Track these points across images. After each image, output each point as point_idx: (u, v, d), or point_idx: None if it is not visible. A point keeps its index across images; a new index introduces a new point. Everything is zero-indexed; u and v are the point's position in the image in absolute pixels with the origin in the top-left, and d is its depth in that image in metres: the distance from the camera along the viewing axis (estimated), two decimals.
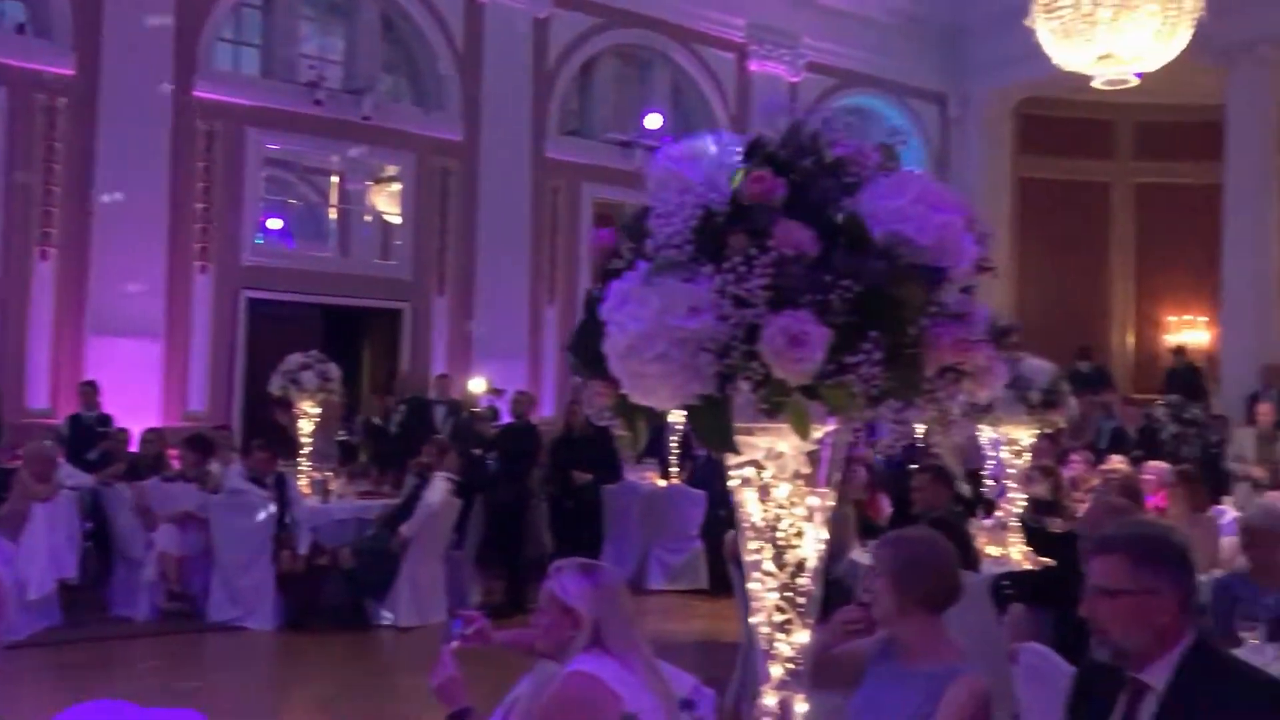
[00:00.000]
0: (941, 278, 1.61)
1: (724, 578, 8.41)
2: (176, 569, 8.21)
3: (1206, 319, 15.64)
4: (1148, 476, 8.34)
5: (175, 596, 8.26)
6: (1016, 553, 6.45)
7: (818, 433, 1.74)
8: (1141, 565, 2.50)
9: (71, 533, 8.07)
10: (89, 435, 10.01)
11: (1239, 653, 3.90)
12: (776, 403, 1.61)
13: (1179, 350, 15.20)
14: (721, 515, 9.00)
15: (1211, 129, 14.32)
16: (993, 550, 6.71)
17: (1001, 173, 15.72)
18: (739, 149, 1.71)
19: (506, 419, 10.80)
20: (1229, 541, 6.39)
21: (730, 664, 5.83)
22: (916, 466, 7.09)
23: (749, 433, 1.74)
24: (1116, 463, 8.53)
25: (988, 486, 7.42)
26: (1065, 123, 16.02)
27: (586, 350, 1.71)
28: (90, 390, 10.47)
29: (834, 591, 4.59)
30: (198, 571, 8.29)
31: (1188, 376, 14.36)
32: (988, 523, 7.13)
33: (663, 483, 10.41)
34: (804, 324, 1.54)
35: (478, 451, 9.92)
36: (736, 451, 1.71)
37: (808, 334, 1.54)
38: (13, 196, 10.98)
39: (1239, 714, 2.31)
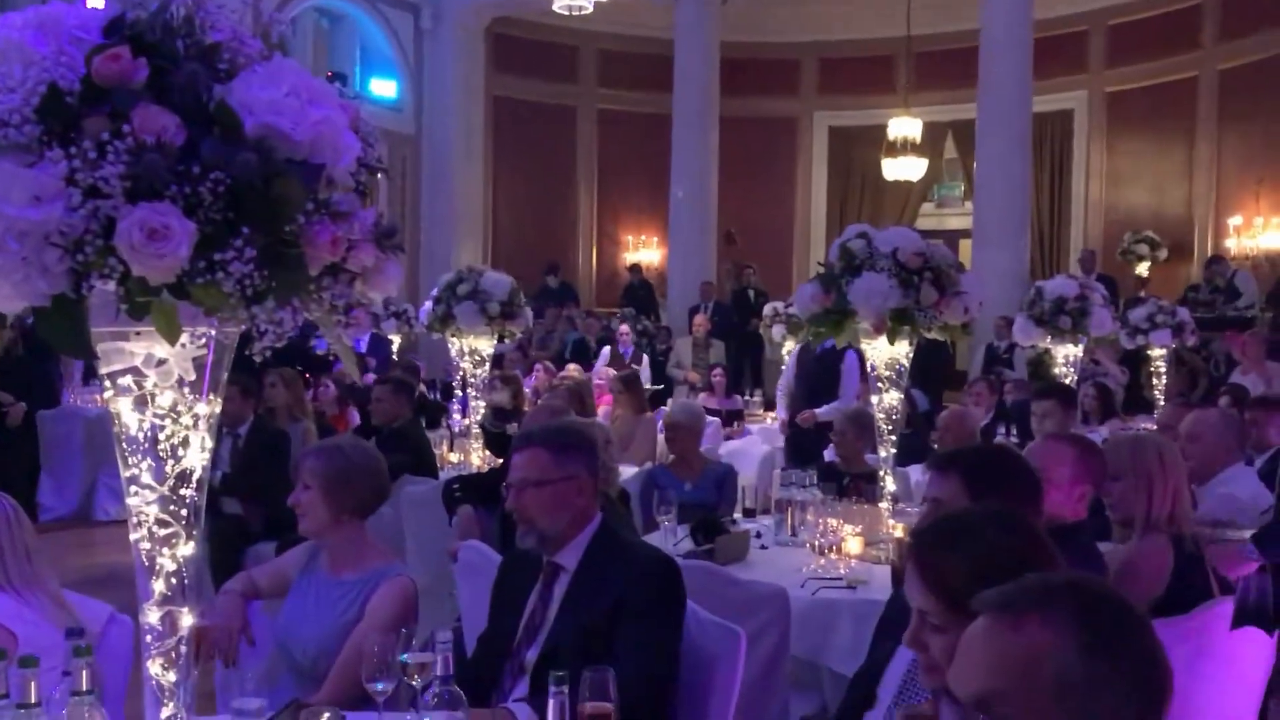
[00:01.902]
0: (319, 175, 1.57)
1: None
2: None
3: (658, 239, 17.14)
4: (599, 381, 9.06)
5: None
6: (476, 458, 6.72)
7: (199, 336, 1.64)
8: (561, 455, 2.70)
9: None
10: None
11: (654, 535, 4.38)
12: (141, 303, 1.49)
13: (635, 267, 16.54)
14: None
15: (664, 61, 15.57)
16: (454, 457, 6.95)
17: (476, 90, 16.01)
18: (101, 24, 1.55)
19: None
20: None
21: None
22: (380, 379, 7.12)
23: (124, 338, 1.61)
24: (572, 370, 9.14)
25: (455, 396, 7.65)
26: (536, 45, 16.62)
27: None
28: None
29: None
30: None
31: (642, 291, 15.71)
32: (453, 430, 7.37)
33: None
34: (166, 217, 1.43)
35: None
36: (93, 356, 1.58)
37: (170, 228, 1.43)
38: None
39: (628, 581, 2.58)
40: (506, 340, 7.51)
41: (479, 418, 6.72)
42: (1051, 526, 2.59)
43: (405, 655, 2.31)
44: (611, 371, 9.62)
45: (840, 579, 3.80)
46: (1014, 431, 6.96)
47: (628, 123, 17.05)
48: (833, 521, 4.15)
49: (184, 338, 1.58)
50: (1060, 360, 6.77)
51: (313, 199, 1.56)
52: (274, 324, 1.57)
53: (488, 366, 7.16)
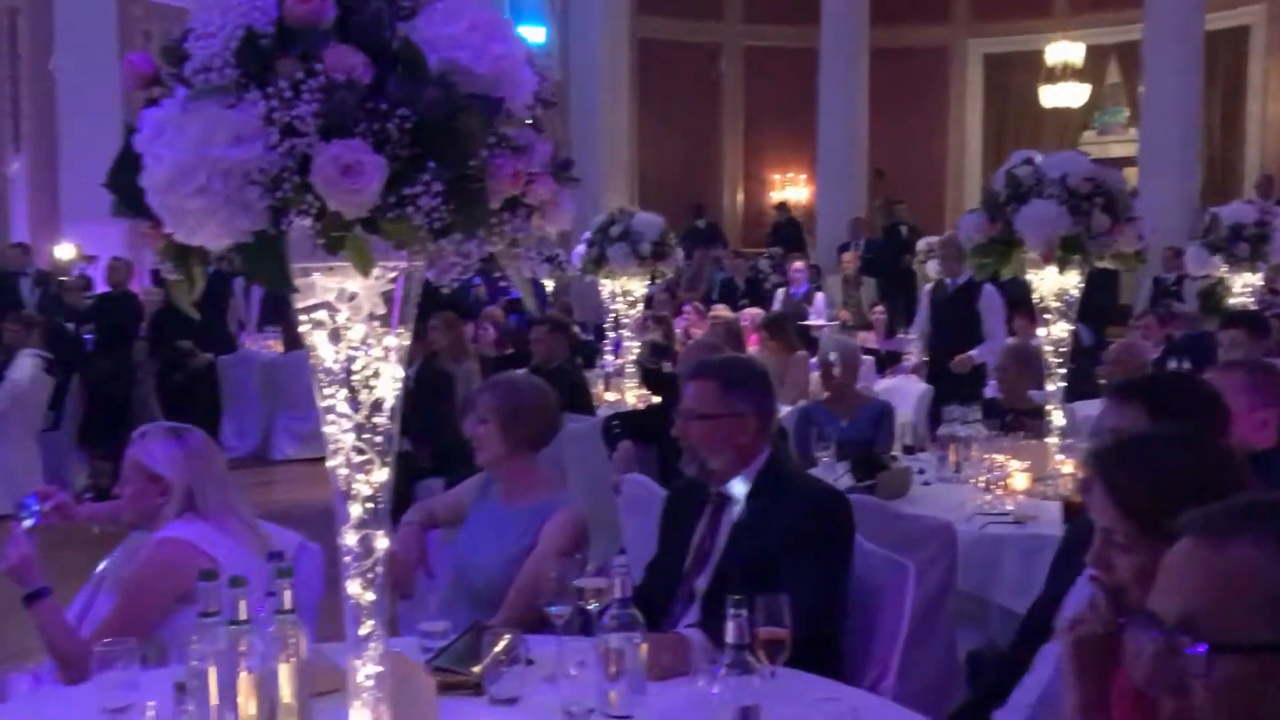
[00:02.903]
0: (499, 109, 1.59)
1: None
2: None
3: (805, 176, 16.89)
4: (746, 323, 9.02)
5: None
6: (631, 396, 6.81)
7: (389, 270, 1.70)
8: (730, 390, 2.72)
9: None
10: None
11: (813, 472, 4.37)
12: (336, 238, 1.55)
13: (782, 206, 16.36)
14: None
15: None
16: (610, 395, 7.05)
17: (621, 33, 15.98)
18: None
19: (102, 288, 9.93)
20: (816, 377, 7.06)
21: None
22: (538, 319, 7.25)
23: (309, 274, 1.68)
24: (721, 310, 9.14)
25: (607, 338, 7.75)
26: None
27: (125, 186, 1.57)
28: None
29: (467, 446, 4.67)
30: None
31: (789, 230, 15.53)
32: (606, 370, 7.47)
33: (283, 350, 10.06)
34: (358, 153, 1.48)
35: (70, 325, 9.08)
36: (294, 289, 1.65)
37: (362, 163, 1.48)
38: None
39: (799, 514, 2.59)
40: (657, 281, 7.54)
41: (634, 356, 6.80)
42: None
43: (580, 580, 2.37)
44: (756, 313, 9.55)
45: (1008, 514, 3.73)
46: (1186, 366, 6.67)
47: (774, 58, 16.77)
48: (999, 457, 4.06)
49: (374, 271, 1.63)
50: (1238, 289, 6.43)
51: (494, 133, 1.59)
52: (462, 256, 1.61)
53: (640, 307, 7.22)
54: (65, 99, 12.25)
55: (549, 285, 11.30)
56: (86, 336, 9.08)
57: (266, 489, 8.14)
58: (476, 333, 9.07)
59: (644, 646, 2.15)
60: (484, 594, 2.99)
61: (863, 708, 2.17)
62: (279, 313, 11.14)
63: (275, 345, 10.33)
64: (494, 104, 1.58)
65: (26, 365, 7.68)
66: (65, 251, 11.72)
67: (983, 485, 3.99)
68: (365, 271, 1.60)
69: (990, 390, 5.92)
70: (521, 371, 4.56)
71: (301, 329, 1.77)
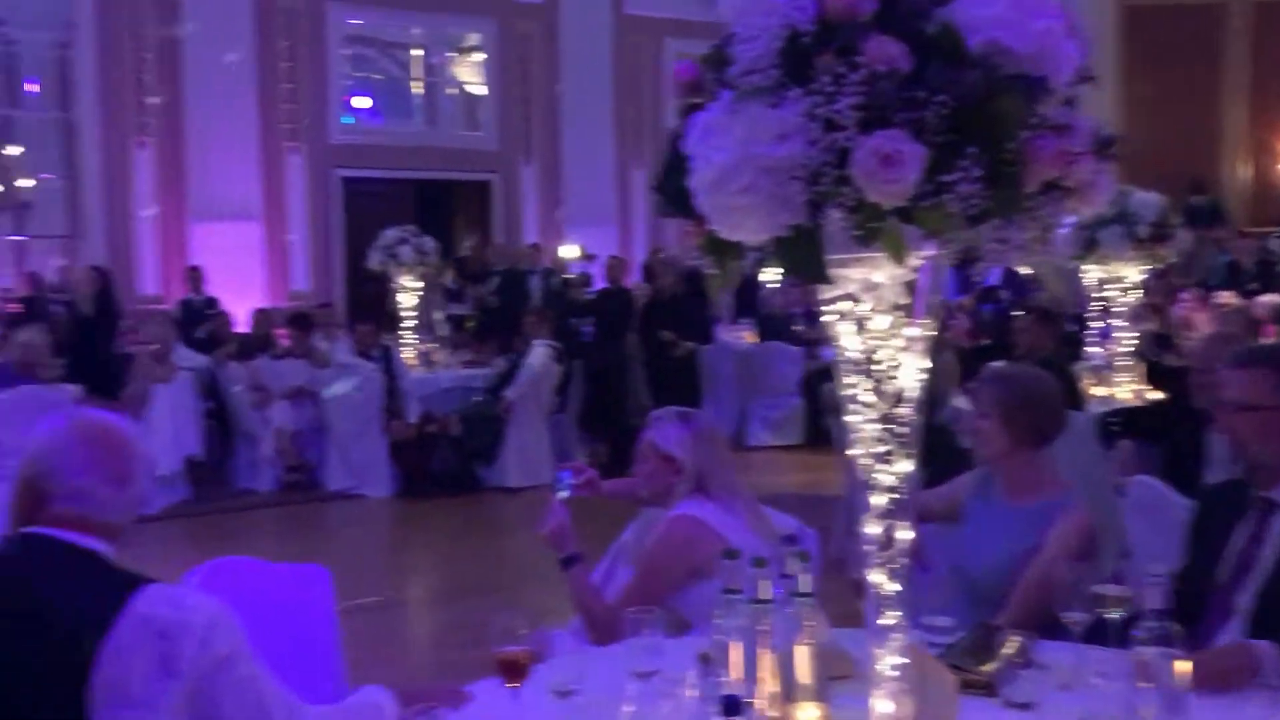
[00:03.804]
0: (1042, 88, 1.53)
1: (821, 432, 8.45)
2: (291, 442, 8.53)
3: None
4: (1260, 311, 8.05)
5: (294, 468, 8.60)
6: (1123, 392, 6.32)
7: (914, 260, 1.69)
8: None
9: (192, 411, 8.43)
10: (198, 318, 10.34)
11: None
12: (871, 229, 1.56)
13: None
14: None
15: None
16: (1099, 390, 6.59)
17: (1104, 1, 14.90)
18: None
19: (601, 284, 10.83)
20: None
21: (831, 514, 5.88)
22: (1021, 310, 6.94)
23: (843, 265, 1.71)
24: (1228, 298, 8.23)
25: (1092, 329, 7.24)
26: None
27: (672, 188, 1.68)
28: (196, 275, 10.78)
29: (937, 438, 4.58)
30: (313, 444, 8.61)
31: None
32: (1093, 363, 6.99)
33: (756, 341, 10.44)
34: (897, 143, 1.48)
35: (573, 318, 10.00)
36: (830, 281, 1.68)
37: (902, 153, 1.48)
38: (107, 86, 11.18)
39: None
40: (1156, 266, 6.93)
41: (1132, 348, 6.30)
42: None
43: (1099, 587, 2.23)
44: (1273, 301, 8.48)
45: None
46: None
47: None
48: None
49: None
50: None
51: (1033, 113, 1.53)
52: (1000, 242, 1.57)
53: (1134, 295, 6.68)
54: (566, 117, 13.53)
55: (1024, 271, 10.78)
56: (585, 329, 9.96)
57: (742, 474, 8.47)
58: (947, 323, 8.85)
59: (1187, 661, 1.97)
60: (984, 592, 2.90)
61: None
62: (750, 305, 11.59)
63: (749, 336, 10.74)
64: (1036, 83, 1.52)
65: (540, 354, 8.57)
66: (569, 251, 12.95)
67: None
68: (900, 261, 1.60)
69: None
70: (1026, 363, 4.39)
71: (825, 319, 1.81)
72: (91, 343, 9.50)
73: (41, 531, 1.90)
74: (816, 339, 10.53)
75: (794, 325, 10.92)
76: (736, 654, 2.03)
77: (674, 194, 1.68)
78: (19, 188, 14.29)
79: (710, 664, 2.09)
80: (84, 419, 2.00)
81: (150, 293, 11.32)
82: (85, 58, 11.37)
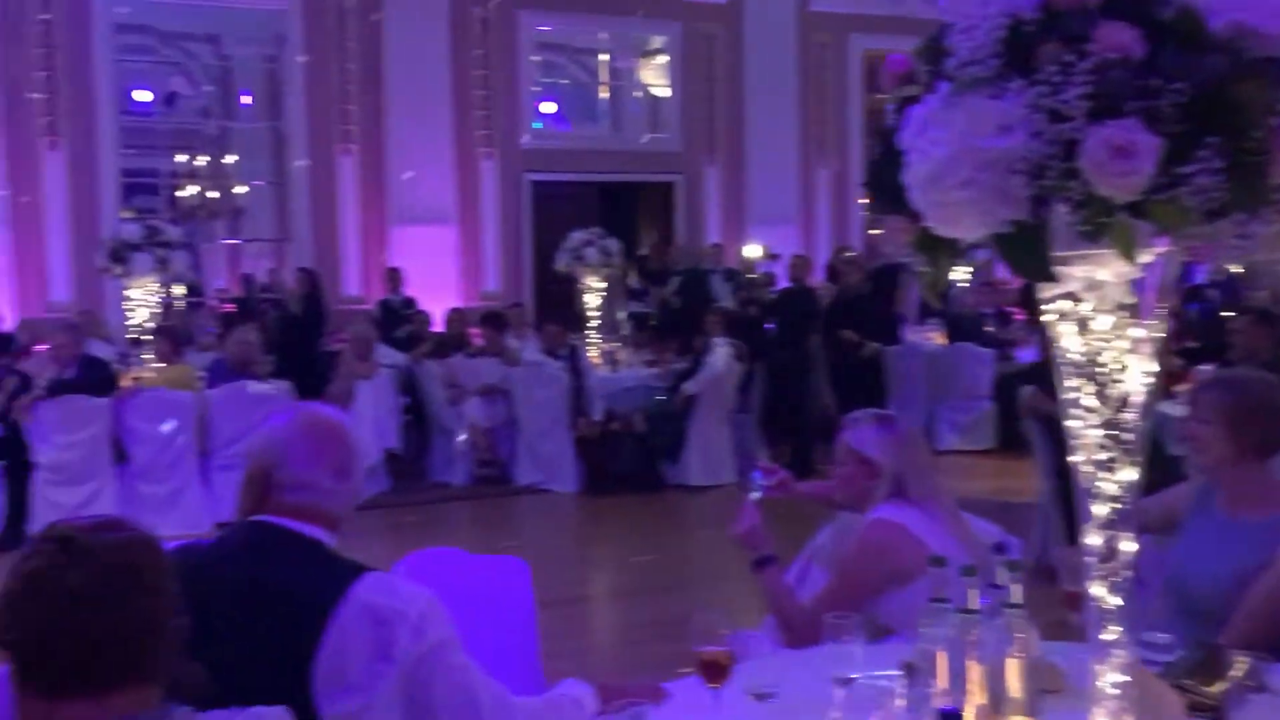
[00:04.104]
0: None
1: (1013, 436, 8.16)
2: (485, 438, 8.79)
3: None
4: None
5: (486, 463, 8.86)
6: None
7: (1144, 257, 1.60)
8: None
9: (392, 407, 8.80)
10: (396, 317, 10.78)
11: None
12: (1099, 224, 1.49)
13: None
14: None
15: None
16: None
17: None
18: None
19: (784, 284, 10.76)
20: None
21: (1025, 522, 5.67)
22: (1234, 312, 6.53)
23: (1064, 261, 1.63)
24: None
25: None
26: None
27: (885, 185, 1.64)
28: (395, 276, 11.25)
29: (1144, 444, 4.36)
30: (504, 440, 8.85)
31: None
32: None
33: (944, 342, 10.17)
34: (1131, 134, 1.41)
35: (755, 316, 9.96)
36: (1054, 280, 1.61)
37: (1135, 144, 1.40)
38: (313, 96, 11.78)
39: None
40: None
41: None
42: None
43: None
44: None
45: None
46: None
47: None
48: None
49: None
50: None
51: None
52: (1243, 238, 1.47)
53: None
54: (750, 117, 13.51)
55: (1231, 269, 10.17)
56: (768, 327, 9.90)
57: (943, 479, 8.27)
58: None
59: None
60: (1201, 609, 2.74)
61: None
62: (939, 305, 11.29)
63: (937, 337, 10.47)
64: None
65: (721, 353, 8.58)
66: (752, 250, 12.93)
67: None
68: (1130, 258, 1.51)
69: None
70: (1247, 368, 4.12)
71: (1046, 319, 1.73)
72: (300, 341, 10.04)
73: (270, 519, 2.00)
74: (1009, 340, 10.19)
75: (985, 326, 10.61)
76: (944, 664, 1.97)
77: (887, 190, 1.64)
78: (235, 194, 15.24)
79: (916, 673, 2.03)
80: (309, 413, 2.10)
81: (353, 293, 11.87)
82: (294, 70, 12.00)
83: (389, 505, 8.14)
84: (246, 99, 15.82)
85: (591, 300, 9.58)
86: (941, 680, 1.98)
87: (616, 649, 5.40)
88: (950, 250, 1.69)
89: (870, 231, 14.69)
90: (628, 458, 8.68)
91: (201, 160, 15.30)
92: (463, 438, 8.78)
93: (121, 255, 7.90)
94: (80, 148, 10.98)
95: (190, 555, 1.97)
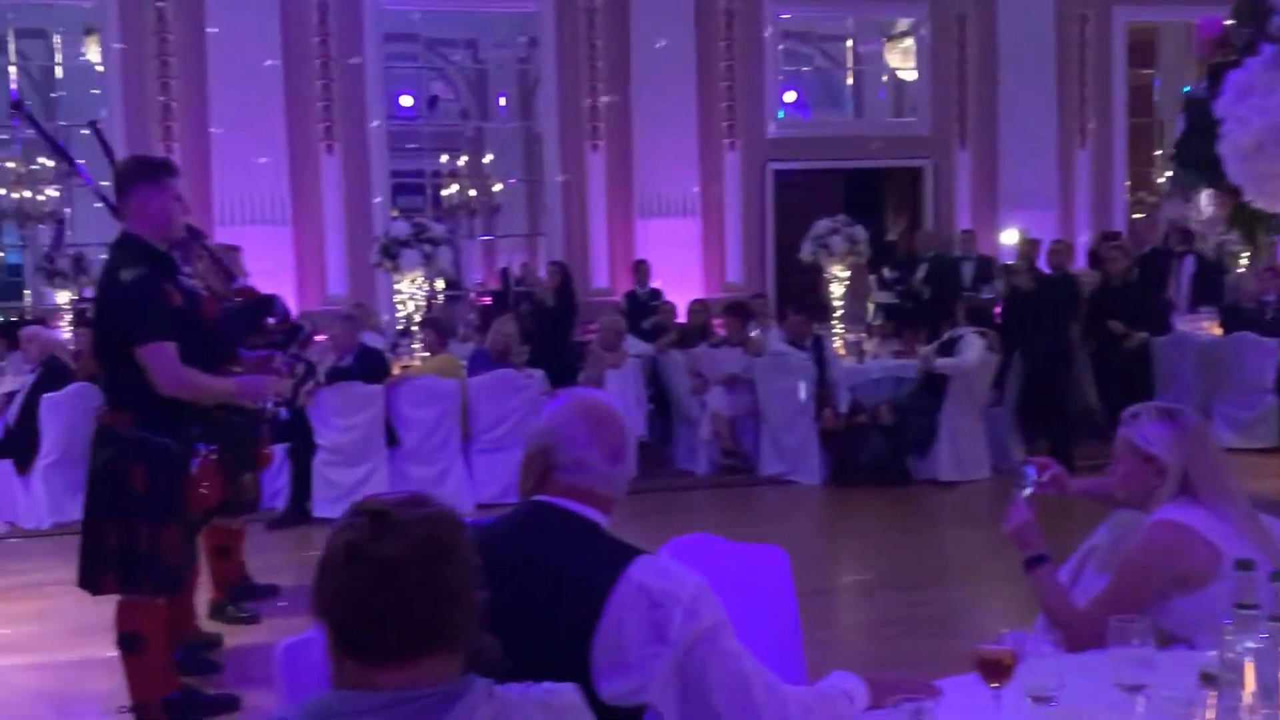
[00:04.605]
0: None
1: None
2: (728, 428, 8.82)
3: None
4: None
5: (729, 453, 8.90)
6: None
7: None
8: None
9: (638, 396, 8.98)
10: (643, 308, 10.97)
11: None
12: None
13: None
14: None
15: None
16: None
17: None
18: None
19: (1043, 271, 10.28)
20: None
21: None
22: None
23: None
24: None
25: None
26: None
27: (1196, 156, 1.53)
28: (642, 268, 11.46)
29: None
30: (748, 430, 8.86)
31: None
32: None
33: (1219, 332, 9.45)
34: None
35: (1009, 304, 9.56)
36: None
37: None
38: (564, 95, 12.15)
39: None
40: None
41: None
42: None
43: None
44: None
45: None
46: None
47: None
48: None
49: None
50: None
51: None
52: None
53: None
54: (1004, 97, 12.96)
55: None
56: (1023, 316, 9.47)
57: (1238, 478, 7.72)
58: None
59: None
60: None
61: None
62: (1213, 293, 10.51)
63: (1212, 327, 9.75)
64: None
65: (974, 344, 8.27)
66: (1008, 236, 12.41)
67: None
68: None
69: None
70: None
71: None
72: (552, 332, 10.38)
73: (549, 500, 2.07)
74: None
75: (1266, 314, 9.80)
76: (1251, 674, 1.83)
77: (1198, 162, 1.53)
78: (492, 192, 15.96)
79: (1217, 684, 1.89)
80: (584, 398, 2.16)
81: (601, 285, 12.18)
82: (546, 71, 12.40)
83: (634, 491, 8.23)
84: (501, 100, 16.52)
85: (836, 289, 9.45)
86: (1247, 693, 1.84)
87: (863, 643, 5.31)
88: (1271, 226, 1.56)
89: (1134, 216, 13.83)
90: (874, 450, 8.52)
91: (461, 160, 16.07)
92: (705, 427, 8.85)
93: (392, 251, 8.40)
94: (353, 151, 11.73)
95: (479, 533, 2.06)
